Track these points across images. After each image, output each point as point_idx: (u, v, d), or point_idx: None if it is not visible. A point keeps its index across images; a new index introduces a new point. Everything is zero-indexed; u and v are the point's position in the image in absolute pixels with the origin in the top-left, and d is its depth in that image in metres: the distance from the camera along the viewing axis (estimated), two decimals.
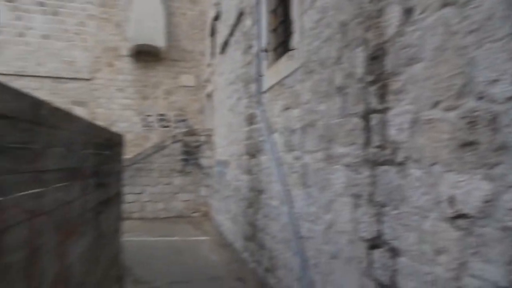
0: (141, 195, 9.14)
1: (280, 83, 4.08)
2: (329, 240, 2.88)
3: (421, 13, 1.84)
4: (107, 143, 3.67)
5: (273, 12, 4.62)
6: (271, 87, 4.40)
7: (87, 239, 2.79)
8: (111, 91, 11.25)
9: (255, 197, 5.23)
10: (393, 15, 2.06)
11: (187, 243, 6.81)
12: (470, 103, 1.54)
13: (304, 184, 3.38)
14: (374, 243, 2.24)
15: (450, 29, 1.65)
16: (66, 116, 2.33)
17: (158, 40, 11.25)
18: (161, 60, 11.60)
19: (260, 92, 4.87)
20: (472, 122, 1.53)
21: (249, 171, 5.57)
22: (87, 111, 11.05)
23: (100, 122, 10.72)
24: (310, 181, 3.25)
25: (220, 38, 8.50)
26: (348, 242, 2.58)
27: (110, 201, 3.72)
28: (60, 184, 2.22)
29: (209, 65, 10.80)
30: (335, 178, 2.77)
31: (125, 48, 11.41)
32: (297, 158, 3.57)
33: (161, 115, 11.53)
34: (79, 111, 11.00)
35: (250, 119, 5.45)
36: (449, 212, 1.64)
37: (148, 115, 11.41)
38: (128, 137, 11.00)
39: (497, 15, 1.41)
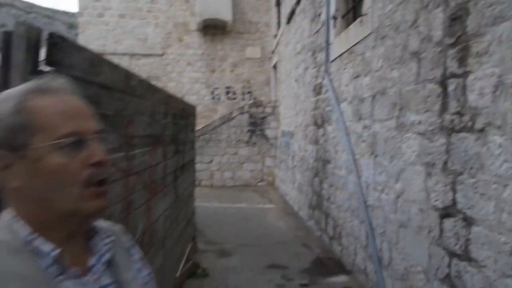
0: (210, 164, 9.63)
1: (349, 50, 3.98)
2: (398, 209, 2.86)
3: None
4: (182, 114, 3.93)
5: None
6: (340, 56, 4.31)
7: (168, 199, 3.08)
8: (181, 65, 11.76)
9: (321, 167, 5.27)
10: None
11: (254, 210, 7.11)
12: None
13: (373, 153, 3.35)
14: (447, 212, 2.20)
15: None
16: (150, 87, 2.56)
17: (225, 14, 11.41)
18: (228, 33, 11.79)
19: (328, 61, 4.79)
20: None
21: (315, 141, 5.60)
22: (160, 85, 11.71)
23: None
24: (379, 150, 3.21)
25: (286, 8, 8.39)
26: (418, 211, 2.54)
27: (185, 167, 4.01)
28: (146, 149, 2.47)
29: (275, 36, 10.76)
30: (406, 146, 2.71)
31: (194, 22, 11.76)
32: (366, 127, 3.52)
33: (228, 87, 11.83)
34: None
35: (318, 89, 5.41)
36: None
37: (216, 88, 11.79)
38: (198, 110, 11.51)
39: None
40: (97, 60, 1.62)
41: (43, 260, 0.57)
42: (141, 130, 2.33)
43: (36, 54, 1.17)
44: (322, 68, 5.01)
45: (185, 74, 11.76)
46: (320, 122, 5.29)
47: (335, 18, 4.50)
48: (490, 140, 1.83)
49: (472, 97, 1.96)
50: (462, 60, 2.05)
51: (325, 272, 4.11)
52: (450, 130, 2.16)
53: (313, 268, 4.24)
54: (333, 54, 4.57)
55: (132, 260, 0.75)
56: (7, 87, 1.07)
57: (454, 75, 2.12)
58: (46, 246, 0.57)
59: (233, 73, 11.84)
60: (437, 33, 2.29)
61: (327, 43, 4.74)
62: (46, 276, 0.56)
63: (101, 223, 0.72)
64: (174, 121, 3.40)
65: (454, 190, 2.13)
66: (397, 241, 2.88)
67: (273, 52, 11.09)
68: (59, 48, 1.26)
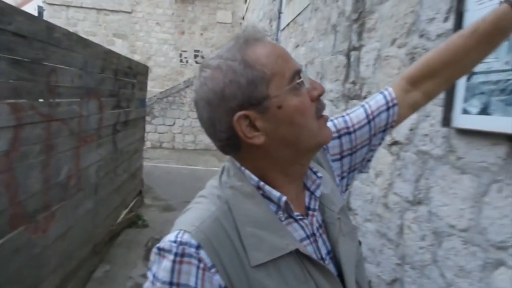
0: (172, 127, 9.76)
1: (294, 20, 4.16)
2: None
3: None
4: (128, 71, 4.04)
5: None
6: (287, 25, 4.48)
7: (103, 151, 3.26)
8: (150, 25, 11.56)
9: None
10: None
11: (208, 172, 7.38)
12: (414, 40, 1.67)
13: None
14: None
15: None
16: (80, 41, 2.67)
17: None
18: None
19: (279, 30, 4.95)
20: (413, 58, 1.67)
21: None
22: (127, 44, 11.52)
23: (138, 56, 11.19)
24: None
25: None
26: None
27: (130, 123, 4.17)
28: (75, 99, 2.61)
29: (245, 1, 10.70)
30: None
31: None
32: None
33: (197, 51, 11.78)
34: (119, 44, 11.48)
35: None
36: (388, 139, 1.85)
37: (184, 51, 11.71)
38: (164, 71, 11.47)
39: None
40: (7, 9, 1.74)
41: (272, 205, 0.61)
42: (68, 80, 2.47)
43: None
44: (274, 36, 5.17)
45: (153, 34, 11.59)
46: None
47: None
48: None
49: (362, 68, 2.22)
50: (360, 35, 2.28)
51: None
52: (348, 98, 2.43)
53: None
54: (283, 23, 4.73)
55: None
56: None
57: (354, 48, 2.36)
58: (275, 192, 0.61)
59: (202, 37, 11.76)
60: (348, 8, 2.51)
61: (279, 12, 4.88)
62: (276, 219, 0.60)
63: None
64: (115, 77, 3.53)
65: None
66: None
67: (243, 18, 11.06)
68: None
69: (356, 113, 0.81)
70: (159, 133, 9.56)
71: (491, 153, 1.20)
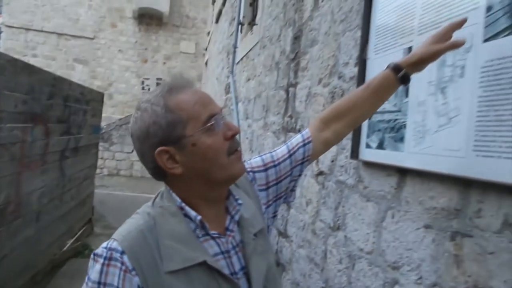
0: (130, 154, 9.63)
1: (246, 55, 4.38)
2: None
3: (322, 1, 2.14)
4: (81, 98, 4.05)
5: None
6: (241, 59, 4.70)
7: (48, 177, 3.21)
8: (112, 52, 11.57)
9: None
10: (309, 1, 2.35)
11: None
12: (335, 81, 1.86)
13: (251, 149, 3.76)
14: None
15: (333, 17, 1.95)
16: (26, 67, 2.70)
17: (162, 5, 11.44)
18: (164, 25, 11.82)
19: (234, 63, 5.17)
20: (333, 97, 1.86)
21: None
22: (87, 69, 11.41)
23: (98, 81, 11.11)
24: (254, 146, 3.62)
25: (216, 8, 8.69)
26: None
27: (81, 150, 4.13)
28: (18, 125, 2.61)
29: (208, 33, 11.01)
30: (266, 143, 3.13)
31: (129, 9, 11.62)
32: (249, 126, 3.93)
33: (159, 79, 11.85)
34: (79, 69, 11.37)
35: (227, 88, 5.78)
36: (315, 170, 2.00)
37: (146, 78, 11.75)
38: (125, 98, 11.41)
39: (354, 8, 1.72)
40: None
41: (192, 223, 0.73)
42: (11, 106, 2.48)
43: None
44: (230, 69, 5.38)
45: (115, 61, 11.58)
46: None
47: (241, 24, 4.88)
48: None
49: (297, 104, 2.40)
50: (296, 73, 2.48)
51: None
52: (286, 130, 2.59)
53: None
54: (238, 57, 4.95)
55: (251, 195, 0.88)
56: None
57: (292, 85, 2.56)
58: (192, 212, 0.73)
59: (165, 66, 11.89)
60: (288, 48, 2.72)
61: (234, 46, 5.11)
62: (192, 235, 0.72)
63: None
64: (65, 103, 3.53)
65: None
66: None
67: (206, 49, 11.34)
68: None
69: (281, 149, 0.96)
70: (117, 160, 9.40)
71: (386, 182, 1.37)
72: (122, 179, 8.85)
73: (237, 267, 0.76)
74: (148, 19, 11.67)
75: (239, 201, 0.80)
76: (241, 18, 4.95)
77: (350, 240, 1.62)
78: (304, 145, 0.94)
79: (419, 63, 0.90)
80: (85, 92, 4.20)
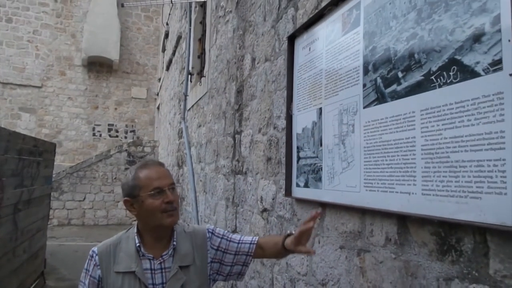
0: (82, 202, 9.38)
1: (196, 103, 4.71)
2: None
3: (258, 63, 2.53)
4: (34, 150, 4.11)
5: (199, 40, 5.28)
6: (192, 106, 5.02)
7: (2, 231, 3.22)
8: (61, 99, 11.45)
9: (179, 204, 5.77)
10: (247, 61, 2.74)
11: None
12: (271, 130, 2.21)
13: (205, 190, 3.99)
14: None
15: (267, 77, 2.34)
16: None
17: (112, 52, 11.64)
18: (114, 72, 11.96)
19: (185, 110, 5.47)
20: (271, 144, 2.20)
21: (177, 181, 6.11)
22: (35, 118, 11.16)
23: (46, 130, 10.88)
24: (207, 188, 3.87)
25: (167, 56, 9.08)
26: None
27: (33, 201, 4.13)
28: None
29: (159, 79, 11.32)
30: (218, 185, 3.39)
31: (79, 58, 11.69)
32: (202, 169, 4.18)
33: (111, 125, 11.82)
34: (26, 118, 11.10)
35: (180, 133, 6.03)
36: (260, 207, 2.30)
37: (97, 125, 11.68)
38: (75, 145, 11.21)
39: (282, 72, 2.10)
40: None
41: (138, 247, 1.18)
42: None
43: None
44: (182, 115, 5.66)
45: (65, 109, 11.44)
46: (180, 163, 5.87)
47: (191, 74, 5.25)
48: (248, 180, 2.57)
49: (242, 149, 2.72)
50: (240, 122, 2.82)
51: None
52: (234, 173, 2.89)
53: None
54: (189, 104, 5.27)
55: (202, 248, 1.26)
56: None
57: (237, 132, 2.89)
58: (136, 240, 1.19)
59: (117, 111, 11.92)
60: (232, 100, 3.08)
61: (185, 94, 5.44)
62: (138, 254, 1.17)
63: (187, 228, 1.29)
64: (19, 157, 3.60)
65: (235, 218, 2.82)
66: None
67: (157, 94, 11.59)
68: None
69: (236, 235, 1.35)
70: (68, 209, 9.11)
71: None
72: (74, 229, 8.55)
73: (158, 281, 1.18)
74: (98, 66, 11.78)
75: (174, 242, 1.22)
76: (190, 68, 5.33)
77: (290, 266, 1.90)
78: (251, 243, 1.32)
79: (297, 244, 1.18)
80: (38, 144, 4.25)
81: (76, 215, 9.28)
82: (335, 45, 1.56)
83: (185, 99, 5.47)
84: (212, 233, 1.31)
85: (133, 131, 11.99)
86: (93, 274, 1.19)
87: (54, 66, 11.62)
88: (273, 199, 2.13)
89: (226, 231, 1.36)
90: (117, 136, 11.79)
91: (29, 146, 3.92)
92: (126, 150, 9.81)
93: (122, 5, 10.69)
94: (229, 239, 1.32)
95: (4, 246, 3.29)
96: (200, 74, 4.85)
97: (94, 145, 11.54)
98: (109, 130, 11.80)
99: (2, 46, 11.28)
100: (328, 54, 1.60)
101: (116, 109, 11.93)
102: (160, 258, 1.19)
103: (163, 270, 1.19)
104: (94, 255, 1.20)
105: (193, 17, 5.54)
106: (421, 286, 1.07)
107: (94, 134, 11.57)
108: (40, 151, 4.34)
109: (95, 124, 11.64)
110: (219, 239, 1.31)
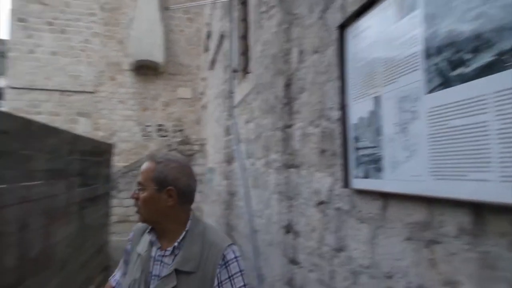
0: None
1: (243, 100, 4.76)
2: (267, 231, 3.52)
3: (305, 55, 2.51)
4: (94, 151, 4.37)
5: (243, 38, 5.33)
6: (239, 103, 5.08)
7: (71, 226, 3.47)
8: (113, 103, 12.06)
9: (230, 199, 5.88)
10: (294, 55, 2.73)
11: None
12: (324, 122, 2.19)
13: (256, 185, 4.04)
14: (288, 229, 2.88)
15: (316, 69, 2.31)
16: (52, 130, 3.03)
17: (157, 56, 12.06)
18: (160, 74, 12.40)
19: (232, 107, 5.55)
20: (324, 136, 2.18)
21: (226, 177, 6.23)
22: (90, 121, 11.85)
23: (101, 132, 11.51)
24: (259, 182, 3.91)
25: (210, 56, 9.25)
26: (276, 231, 3.21)
27: (96, 199, 4.40)
28: (47, 181, 2.90)
29: (203, 79, 11.57)
30: (269, 179, 3.42)
31: (127, 63, 12.24)
32: (252, 164, 4.23)
33: (160, 125, 12.28)
34: (83, 122, 11.81)
35: (227, 130, 6.13)
36: (316, 200, 2.29)
37: (147, 125, 12.17)
38: (128, 146, 11.77)
39: (332, 63, 2.07)
40: None
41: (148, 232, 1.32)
42: (42, 165, 2.78)
43: None
44: (229, 112, 5.76)
45: (117, 112, 12.04)
46: (229, 159, 5.97)
47: (236, 71, 5.31)
48: (302, 174, 2.56)
49: (294, 142, 2.72)
50: (290, 115, 2.82)
51: None
52: (286, 166, 2.89)
53: None
54: (235, 101, 5.34)
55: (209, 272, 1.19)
56: None
57: (287, 126, 2.89)
58: (153, 233, 1.29)
59: (164, 112, 12.35)
60: (280, 94, 3.08)
61: (231, 92, 5.52)
62: (150, 241, 1.28)
63: (210, 236, 1.26)
64: (82, 158, 3.85)
65: (290, 211, 2.83)
66: (268, 258, 3.52)
67: (202, 93, 11.85)
68: None
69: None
70: (125, 206, 9.60)
71: (373, 206, 1.65)
72: (131, 225, 9.02)
73: (155, 272, 1.23)
74: (145, 70, 12.26)
75: (177, 242, 1.23)
76: (234, 66, 5.39)
77: (352, 259, 1.87)
78: None
79: None
80: (97, 146, 4.53)
81: (133, 212, 9.75)
82: (390, 31, 1.51)
83: (231, 97, 5.55)
84: (226, 263, 1.20)
85: (181, 130, 12.37)
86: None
87: (105, 72, 12.24)
88: (329, 191, 2.11)
89: (240, 270, 1.23)
90: (166, 136, 12.22)
91: (89, 148, 4.18)
92: (175, 149, 10.14)
93: (167, 9, 11.03)
94: (234, 283, 1.20)
95: (73, 241, 3.54)
96: (245, 70, 4.89)
97: (146, 145, 12.05)
98: (159, 130, 12.26)
99: (58, 56, 12.06)
100: (383, 41, 1.56)
101: (164, 109, 12.37)
102: (164, 251, 1.24)
103: (162, 264, 1.23)
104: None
105: (235, 15, 5.60)
106: (502, 279, 1.02)
107: (144, 135, 12.08)
108: (99, 152, 4.61)
109: (145, 125, 12.14)
110: (226, 276, 1.20)
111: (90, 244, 4.11)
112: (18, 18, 11.88)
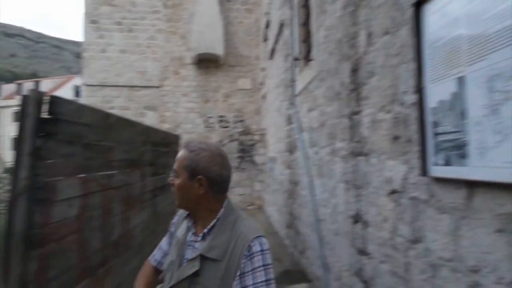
0: None
1: (305, 88, 4.69)
2: (333, 220, 3.46)
3: (375, 38, 2.39)
4: (163, 142, 4.59)
5: (303, 25, 5.23)
6: (301, 91, 5.02)
7: (146, 213, 3.69)
8: (177, 96, 12.57)
9: (293, 188, 5.87)
10: (362, 38, 2.61)
11: None
12: (396, 107, 2.08)
13: (320, 174, 3.98)
14: (356, 219, 2.81)
15: (387, 51, 2.19)
16: (127, 122, 3.23)
17: (218, 48, 12.31)
18: (221, 66, 12.66)
19: (294, 95, 5.50)
20: (397, 122, 2.07)
21: (289, 166, 6.23)
22: (157, 114, 12.49)
23: (167, 124, 12.07)
24: (323, 171, 3.84)
25: (269, 45, 9.23)
26: (343, 220, 3.14)
27: (166, 188, 4.64)
28: (124, 170, 3.11)
29: (262, 69, 11.60)
30: (335, 168, 3.34)
31: (189, 57, 12.66)
32: (316, 153, 4.17)
33: (221, 116, 12.57)
34: (150, 115, 12.48)
35: (289, 120, 6.10)
36: (388, 189, 2.19)
37: (209, 117, 12.53)
38: (192, 137, 12.21)
39: (406, 43, 1.95)
40: (80, 108, 2.30)
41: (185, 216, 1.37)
42: (119, 155, 2.99)
43: (40, 107, 1.85)
44: (291, 101, 5.72)
45: (180, 104, 12.55)
46: (291, 148, 5.95)
47: (297, 59, 5.24)
48: (371, 162, 2.47)
49: (362, 130, 2.62)
50: (357, 101, 2.72)
51: (289, 281, 4.64)
52: (354, 154, 2.80)
53: (279, 278, 4.76)
54: (297, 89, 5.28)
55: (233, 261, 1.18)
56: (24, 128, 1.74)
57: (355, 113, 2.79)
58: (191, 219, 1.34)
59: (225, 103, 12.61)
60: (347, 80, 2.98)
61: (292, 80, 5.46)
62: (188, 227, 1.33)
63: (240, 227, 1.23)
64: (153, 148, 4.06)
65: (358, 201, 2.75)
66: (334, 247, 3.46)
67: (261, 83, 11.90)
68: (54, 103, 1.94)
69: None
70: None
71: (456, 195, 1.54)
72: None
73: (186, 255, 1.26)
74: (206, 63, 12.59)
75: (207, 229, 1.26)
76: (296, 54, 5.32)
77: (431, 250, 1.77)
78: None
79: None
80: (166, 137, 4.75)
81: None
82: (477, 4, 1.38)
83: (293, 85, 5.50)
84: (250, 255, 1.17)
85: (241, 120, 12.56)
86: (171, 228, 1.45)
87: (169, 66, 12.77)
88: (403, 180, 2.01)
89: (263, 265, 1.19)
90: (227, 127, 12.50)
91: (159, 139, 4.40)
92: (237, 139, 10.35)
93: (228, 0, 11.15)
94: (255, 277, 1.16)
95: (147, 227, 3.77)
96: (307, 58, 4.81)
97: (208, 136, 12.43)
98: (220, 121, 12.56)
99: (126, 54, 12.81)
100: (468, 16, 1.42)
101: (224, 101, 12.63)
102: (196, 237, 1.28)
103: (193, 249, 1.27)
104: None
105: (295, 1, 5.50)
106: None
107: (207, 126, 12.46)
108: (167, 143, 4.84)
109: (207, 117, 12.52)
110: (249, 268, 1.16)
111: (161, 230, 4.35)
112: (91, 20, 12.80)
